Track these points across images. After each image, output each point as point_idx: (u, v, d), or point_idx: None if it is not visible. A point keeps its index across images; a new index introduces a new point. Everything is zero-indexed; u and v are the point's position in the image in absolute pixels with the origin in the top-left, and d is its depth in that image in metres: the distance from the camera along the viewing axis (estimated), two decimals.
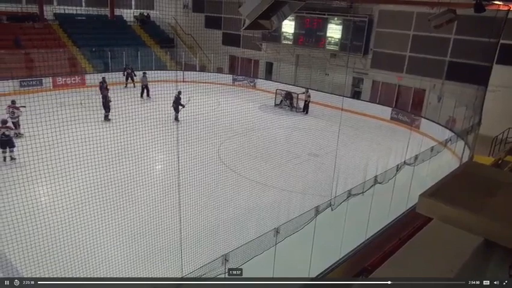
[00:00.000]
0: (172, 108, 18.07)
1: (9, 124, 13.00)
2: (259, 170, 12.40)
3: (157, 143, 13.35)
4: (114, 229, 8.53)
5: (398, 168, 10.23)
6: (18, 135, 14.37)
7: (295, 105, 22.20)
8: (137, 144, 12.44)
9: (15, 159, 12.55)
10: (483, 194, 3.05)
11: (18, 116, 14.84)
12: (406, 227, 7.84)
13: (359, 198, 8.99)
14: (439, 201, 2.74)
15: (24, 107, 14.41)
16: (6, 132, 12.59)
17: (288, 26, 25.55)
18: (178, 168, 7.29)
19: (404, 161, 10.79)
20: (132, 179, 10.38)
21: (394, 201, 9.91)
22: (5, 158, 12.61)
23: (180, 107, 18.01)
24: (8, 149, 12.58)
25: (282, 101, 22.64)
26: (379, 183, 9.49)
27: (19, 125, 14.81)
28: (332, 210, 8.10)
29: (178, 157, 7.40)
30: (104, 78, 20.31)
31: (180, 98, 18.23)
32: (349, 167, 13.54)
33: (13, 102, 15.21)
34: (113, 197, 9.12)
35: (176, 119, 18.06)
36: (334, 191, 9.73)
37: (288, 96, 22.41)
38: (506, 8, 14.03)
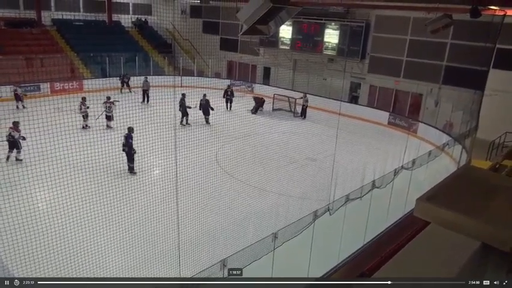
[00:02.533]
0: (180, 112, 18.53)
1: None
2: (257, 174, 12.39)
3: (156, 148, 13.35)
4: (112, 234, 8.51)
5: (396, 172, 10.26)
6: (109, 127, 16.72)
7: (261, 109, 22.03)
8: (135, 149, 12.45)
9: (21, 160, 12.82)
10: (480, 198, 3.06)
11: (113, 110, 16.90)
12: (404, 231, 7.84)
13: (357, 202, 9.00)
14: (437, 205, 2.75)
15: (118, 101, 16.96)
16: (12, 133, 12.75)
17: (286, 31, 25.64)
18: (176, 173, 7.30)
19: (402, 166, 10.82)
20: (131, 183, 10.37)
21: (392, 206, 9.92)
22: (8, 157, 12.78)
23: (187, 109, 18.34)
24: (14, 151, 12.86)
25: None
26: (377, 187, 9.51)
27: (113, 118, 16.81)
28: (330, 214, 8.11)
29: (177, 162, 7.41)
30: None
31: (184, 101, 18.55)
32: (347, 171, 13.56)
33: (108, 98, 17.21)
34: (111, 202, 9.10)
35: (182, 123, 18.43)
36: (332, 195, 9.73)
37: (256, 99, 22.26)
38: (502, 13, 14.12)
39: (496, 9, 13.90)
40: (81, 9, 29.98)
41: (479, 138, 15.22)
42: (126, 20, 31.57)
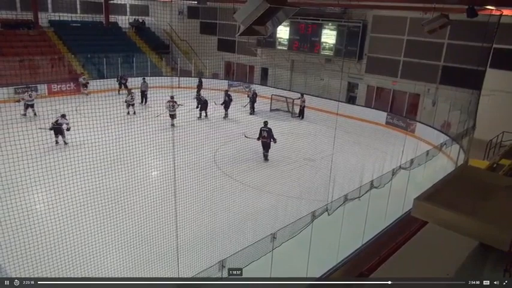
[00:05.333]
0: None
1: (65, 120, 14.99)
2: (255, 175, 12.39)
3: (154, 149, 13.33)
4: (110, 236, 8.49)
5: (394, 172, 10.26)
6: (172, 125, 17.78)
7: (255, 109, 22.11)
8: (133, 151, 12.41)
9: (67, 143, 14.99)
10: (478, 197, 3.06)
11: (175, 109, 18.14)
12: (403, 231, 7.87)
13: (355, 202, 9.00)
14: (434, 205, 2.75)
15: (182, 104, 18.20)
16: (59, 121, 14.74)
17: (283, 32, 25.65)
18: (174, 174, 7.29)
19: (400, 165, 10.83)
20: (128, 185, 10.35)
21: (391, 206, 9.93)
22: (57, 141, 14.90)
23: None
24: (60, 136, 14.96)
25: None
26: (375, 187, 9.51)
27: (175, 117, 18.08)
28: (329, 215, 8.11)
29: (174, 163, 7.40)
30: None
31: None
32: (345, 171, 13.56)
33: (172, 97, 18.24)
34: (109, 203, 9.08)
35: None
36: (331, 195, 9.73)
37: (252, 97, 22.27)
38: (498, 13, 14.18)
39: (492, 9, 13.95)
40: (78, 11, 29.91)
41: (476, 137, 15.24)
42: (124, 21, 31.51)
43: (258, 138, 14.93)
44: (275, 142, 14.80)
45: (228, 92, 21.17)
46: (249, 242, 6.79)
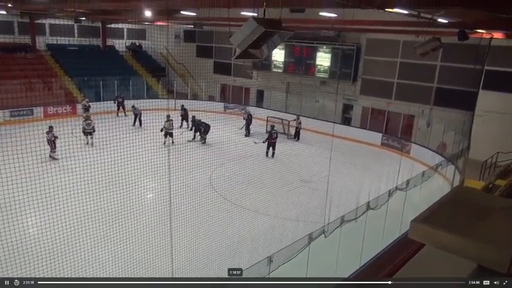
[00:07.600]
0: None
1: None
2: (251, 197, 12.33)
3: (149, 171, 13.28)
4: (105, 259, 8.36)
5: (390, 193, 10.25)
6: (173, 143, 18.79)
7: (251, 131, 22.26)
8: (129, 173, 12.37)
9: (57, 159, 15.16)
10: (475, 219, 3.06)
11: (172, 128, 19.02)
12: (400, 253, 7.79)
13: (352, 224, 8.96)
14: (431, 227, 2.75)
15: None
16: (47, 136, 15.21)
17: (278, 55, 25.99)
18: (170, 197, 7.25)
19: (396, 186, 10.83)
20: (124, 207, 10.26)
21: (388, 227, 9.88)
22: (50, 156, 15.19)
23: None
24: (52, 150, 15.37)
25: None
26: (372, 209, 9.48)
27: (173, 135, 19.02)
28: (325, 237, 8.05)
29: (170, 185, 7.37)
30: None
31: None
32: (342, 193, 13.52)
33: (168, 116, 18.95)
34: (104, 226, 8.98)
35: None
36: (327, 217, 9.68)
37: (248, 118, 22.39)
38: (489, 36, 14.48)
39: (483, 33, 14.25)
40: (76, 35, 30.24)
41: (471, 158, 15.32)
42: (121, 44, 31.86)
43: (266, 140, 17.95)
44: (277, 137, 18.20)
45: (202, 121, 20.10)
46: (245, 266, 6.71)
